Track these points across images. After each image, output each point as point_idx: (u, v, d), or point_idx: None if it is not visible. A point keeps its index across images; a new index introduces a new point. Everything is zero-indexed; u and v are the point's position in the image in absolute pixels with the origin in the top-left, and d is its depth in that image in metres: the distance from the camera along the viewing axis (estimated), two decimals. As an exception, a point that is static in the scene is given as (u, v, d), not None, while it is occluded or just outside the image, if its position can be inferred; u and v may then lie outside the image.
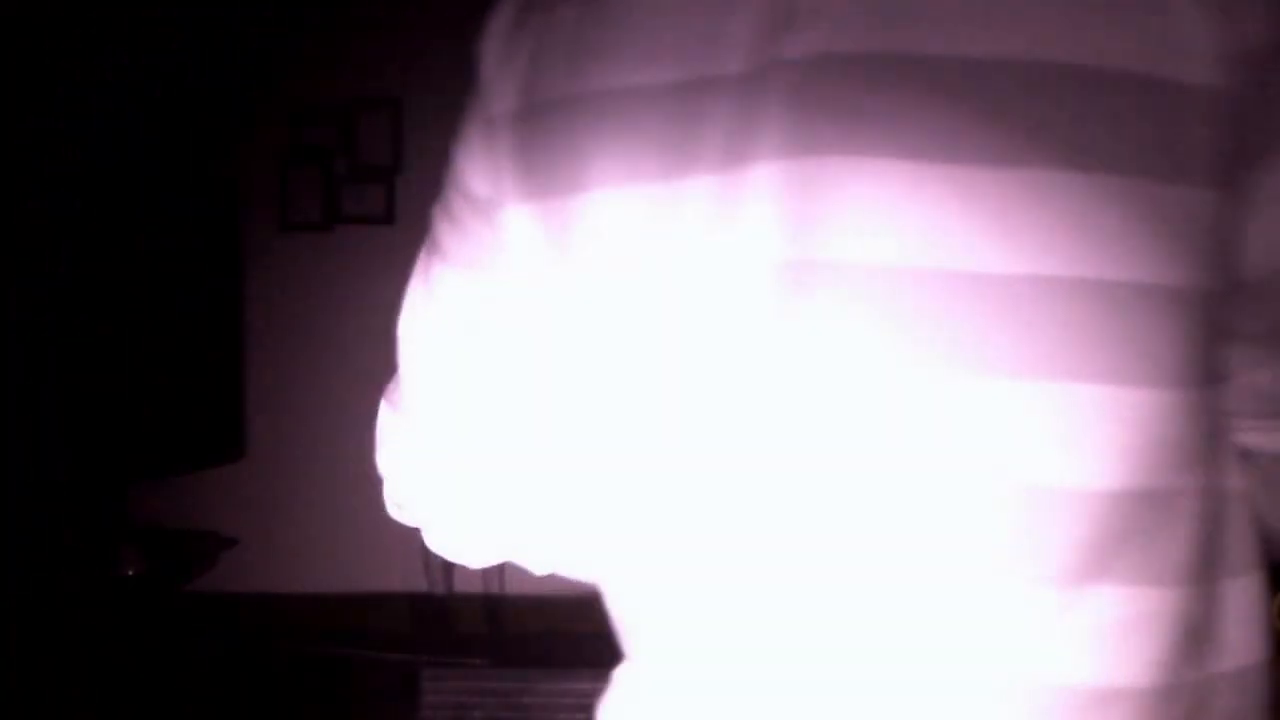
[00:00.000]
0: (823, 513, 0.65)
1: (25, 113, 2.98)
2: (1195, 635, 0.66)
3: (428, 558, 3.29)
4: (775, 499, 0.67)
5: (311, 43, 3.50)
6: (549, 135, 0.74)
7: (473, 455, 0.85)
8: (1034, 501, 0.60)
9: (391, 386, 0.93)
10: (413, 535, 3.69)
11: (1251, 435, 0.69)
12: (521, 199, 0.77)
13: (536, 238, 0.76)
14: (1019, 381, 0.59)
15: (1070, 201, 0.58)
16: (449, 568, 3.35)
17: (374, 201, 3.55)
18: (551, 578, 3.68)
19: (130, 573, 2.96)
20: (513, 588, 3.52)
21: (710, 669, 0.73)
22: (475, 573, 3.52)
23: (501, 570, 3.53)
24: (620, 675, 0.85)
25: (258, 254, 3.52)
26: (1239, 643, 0.68)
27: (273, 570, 3.49)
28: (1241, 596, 0.68)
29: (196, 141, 3.50)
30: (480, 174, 0.82)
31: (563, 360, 0.77)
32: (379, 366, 3.94)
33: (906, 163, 0.60)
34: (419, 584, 3.36)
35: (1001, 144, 0.59)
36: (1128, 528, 0.61)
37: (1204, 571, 0.66)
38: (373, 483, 3.47)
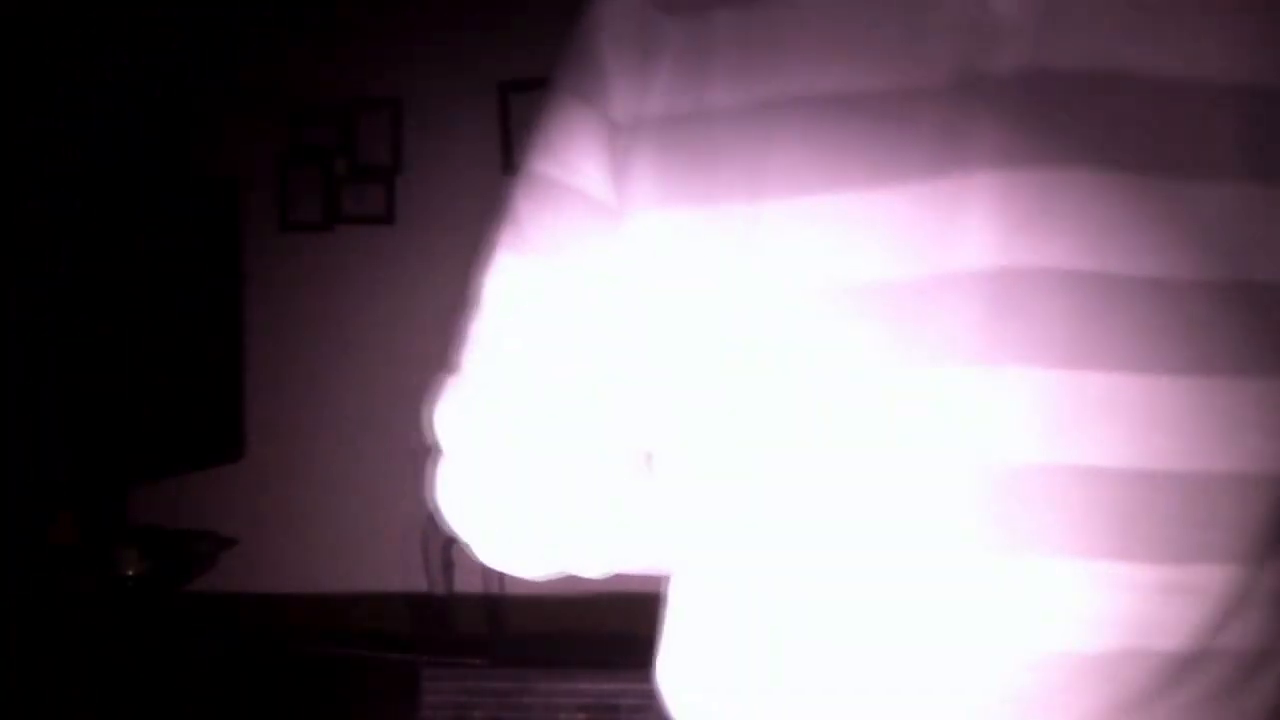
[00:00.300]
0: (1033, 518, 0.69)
1: (25, 113, 2.99)
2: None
3: (428, 558, 3.29)
4: (952, 506, 0.70)
5: (311, 43, 3.50)
6: (706, 142, 0.72)
7: (551, 436, 0.82)
8: (1217, 487, 0.66)
9: (457, 383, 0.88)
10: (413, 535, 3.70)
11: None
12: (665, 205, 0.74)
13: (681, 242, 0.74)
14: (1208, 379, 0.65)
15: (1255, 211, 0.63)
16: (449, 567, 3.35)
17: (374, 201, 3.55)
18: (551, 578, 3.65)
19: (130, 573, 2.96)
20: (513, 588, 3.52)
21: (763, 633, 0.77)
22: (475, 573, 3.52)
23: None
24: (675, 634, 0.89)
25: (258, 254, 3.52)
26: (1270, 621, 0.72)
27: (272, 570, 3.49)
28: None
29: (197, 141, 3.50)
30: (599, 177, 0.78)
31: (683, 352, 0.76)
32: (379, 366, 3.96)
33: (1116, 175, 0.64)
34: (419, 584, 3.36)
35: (1205, 158, 0.63)
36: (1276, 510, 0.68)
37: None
38: (372, 483, 3.46)
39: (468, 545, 0.88)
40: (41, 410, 2.82)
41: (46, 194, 2.92)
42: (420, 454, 3.12)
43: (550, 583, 3.51)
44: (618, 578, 3.62)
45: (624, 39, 0.76)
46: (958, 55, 0.68)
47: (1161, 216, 0.64)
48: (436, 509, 0.88)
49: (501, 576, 3.52)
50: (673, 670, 0.89)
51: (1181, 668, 0.70)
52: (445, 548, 3.31)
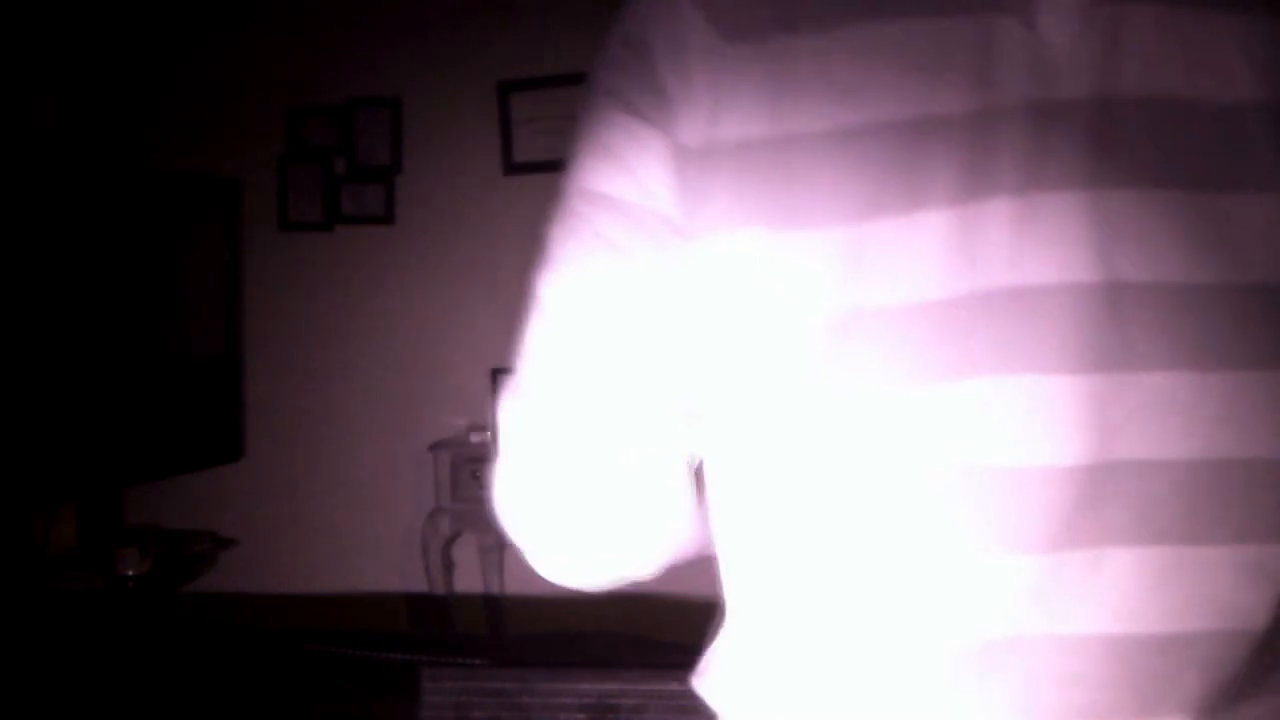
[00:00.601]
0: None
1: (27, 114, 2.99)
2: None
3: (428, 558, 3.29)
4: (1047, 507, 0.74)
5: (311, 43, 3.50)
6: (785, 167, 0.75)
7: (608, 441, 0.81)
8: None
9: (522, 381, 0.86)
10: (413, 535, 3.70)
11: None
12: (743, 226, 0.76)
13: (757, 263, 0.76)
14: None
15: None
16: (449, 567, 3.35)
17: (374, 201, 3.55)
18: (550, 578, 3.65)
19: (130, 573, 2.96)
20: (513, 588, 3.53)
21: (811, 638, 0.81)
22: (475, 573, 3.53)
23: (501, 570, 3.54)
24: (725, 643, 0.92)
25: (258, 254, 3.53)
26: None
27: (273, 570, 3.49)
28: None
29: (197, 141, 3.50)
30: (665, 195, 0.78)
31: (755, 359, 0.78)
32: (378, 365, 3.97)
33: (1174, 192, 0.71)
34: (419, 584, 3.36)
35: (1248, 173, 0.71)
36: None
37: None
38: (372, 483, 3.45)
39: (523, 550, 0.86)
40: (41, 410, 2.82)
41: (47, 195, 2.92)
42: (420, 454, 3.10)
43: (550, 583, 3.50)
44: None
45: (688, 67, 0.78)
46: (1027, 82, 0.73)
47: (1213, 228, 0.71)
48: (494, 512, 0.86)
49: (502, 576, 3.52)
50: (726, 674, 0.91)
51: (1272, 648, 0.75)
52: (445, 548, 3.31)
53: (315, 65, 3.52)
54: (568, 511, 0.83)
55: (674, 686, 1.51)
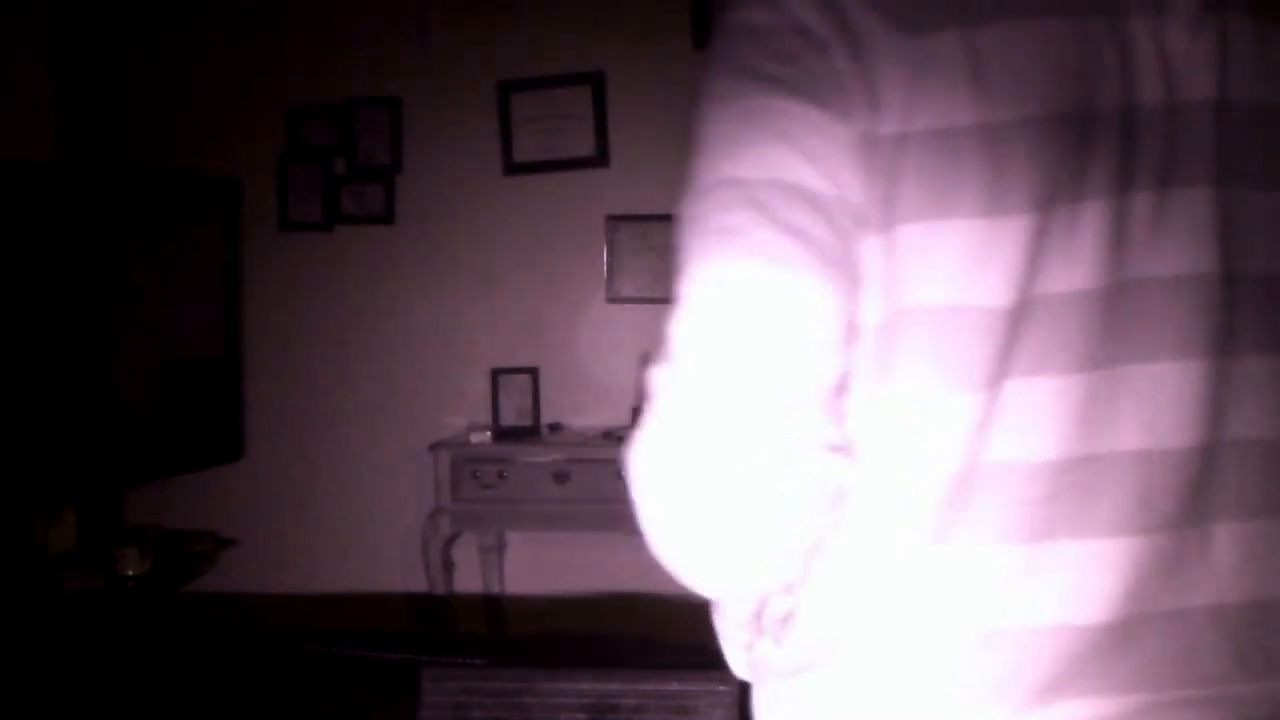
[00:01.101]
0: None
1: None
2: None
3: (428, 558, 3.29)
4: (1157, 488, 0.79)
5: (311, 43, 3.51)
6: (951, 157, 0.77)
7: (764, 442, 0.75)
8: None
9: (681, 358, 0.77)
10: (413, 535, 3.69)
11: None
12: (927, 218, 0.77)
13: (933, 254, 0.77)
14: None
15: None
16: (449, 567, 3.36)
17: (374, 201, 3.55)
18: (549, 578, 3.67)
19: (130, 573, 2.96)
20: (513, 588, 3.53)
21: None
22: (475, 573, 3.53)
23: (501, 570, 3.54)
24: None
25: (258, 254, 3.53)
26: None
27: (273, 570, 3.50)
28: None
29: (197, 141, 3.50)
30: (855, 185, 0.77)
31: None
32: (378, 365, 3.96)
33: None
34: (419, 584, 3.36)
35: None
36: None
37: None
38: (372, 482, 3.46)
39: (648, 532, 0.79)
40: (41, 410, 2.82)
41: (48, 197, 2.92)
42: (420, 454, 3.10)
43: (550, 583, 3.51)
44: (615, 578, 3.61)
45: (868, 55, 0.77)
46: (1159, 82, 0.78)
47: None
48: (633, 509, 0.81)
49: (502, 576, 3.52)
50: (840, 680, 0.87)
51: None
52: (445, 548, 3.31)
53: (315, 65, 3.52)
54: (708, 494, 0.76)
55: (674, 686, 1.51)
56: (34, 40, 3.15)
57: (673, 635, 2.06)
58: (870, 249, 0.77)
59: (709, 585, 0.82)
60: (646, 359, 3.43)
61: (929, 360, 0.78)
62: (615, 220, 3.42)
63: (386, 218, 3.55)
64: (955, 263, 0.76)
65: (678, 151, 3.13)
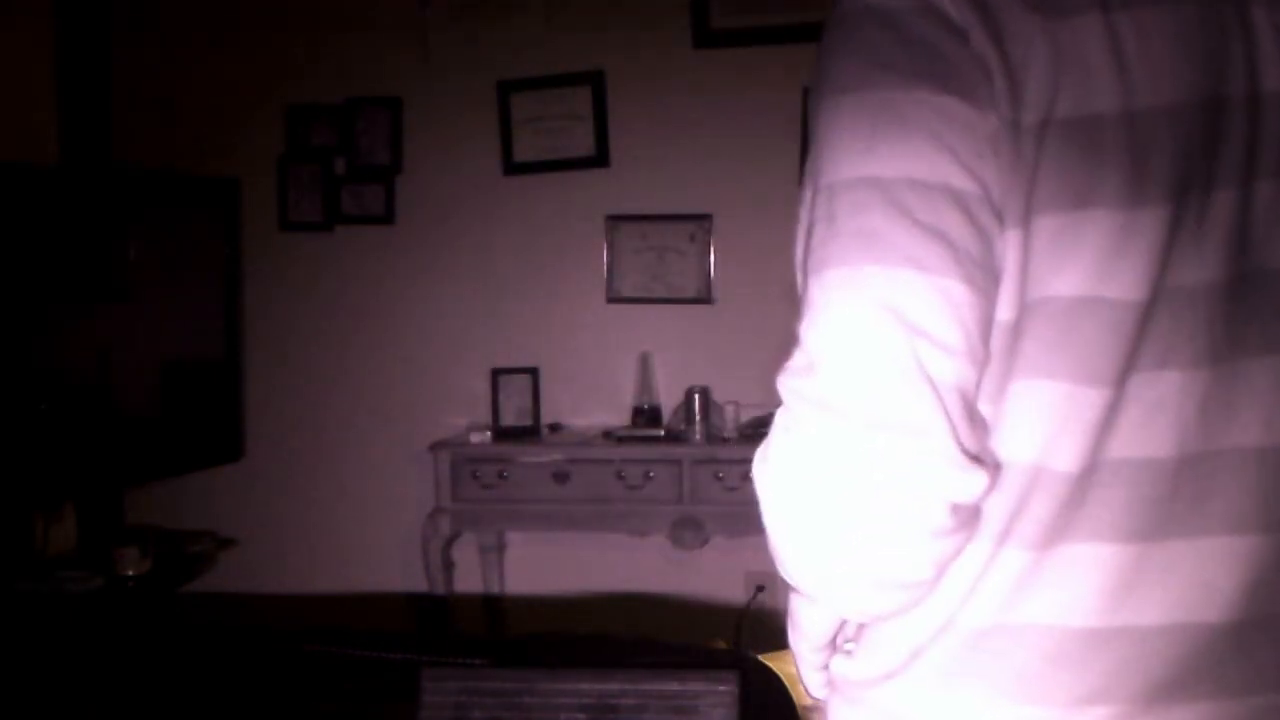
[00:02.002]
0: None
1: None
2: None
3: (428, 558, 3.29)
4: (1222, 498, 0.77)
5: (311, 42, 3.50)
6: (1095, 147, 0.74)
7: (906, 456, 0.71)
8: None
9: (821, 365, 0.72)
10: (413, 535, 3.68)
11: None
12: (1064, 209, 0.74)
13: (1067, 247, 0.75)
14: None
15: None
16: (449, 567, 3.36)
17: (374, 201, 3.55)
18: (549, 578, 3.66)
19: (130, 573, 2.96)
20: (513, 588, 3.53)
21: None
22: (475, 573, 3.53)
23: (501, 570, 3.54)
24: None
25: (258, 254, 3.53)
26: None
27: (272, 570, 3.50)
28: None
29: (197, 141, 3.50)
30: (993, 180, 0.74)
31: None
32: (378, 365, 3.95)
33: None
34: (419, 584, 3.36)
35: None
36: None
37: None
38: (372, 482, 3.44)
39: (783, 562, 0.76)
40: (41, 410, 2.82)
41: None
42: (420, 454, 3.10)
43: (550, 583, 3.50)
44: (615, 578, 3.60)
45: (1010, 41, 0.73)
46: (1277, 68, 0.77)
47: None
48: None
49: (502, 576, 3.52)
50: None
51: None
52: (445, 548, 3.31)
53: (315, 65, 3.52)
54: (844, 513, 0.72)
55: (674, 686, 1.51)
56: (38, 41, 3.15)
57: (673, 635, 2.06)
58: (1007, 242, 0.74)
59: (837, 604, 0.78)
60: (646, 359, 3.43)
61: (1059, 354, 0.75)
62: (615, 220, 3.42)
63: (386, 218, 3.55)
64: (1091, 255, 0.74)
65: (678, 151, 3.14)
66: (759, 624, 3.08)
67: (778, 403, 0.75)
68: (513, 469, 3.21)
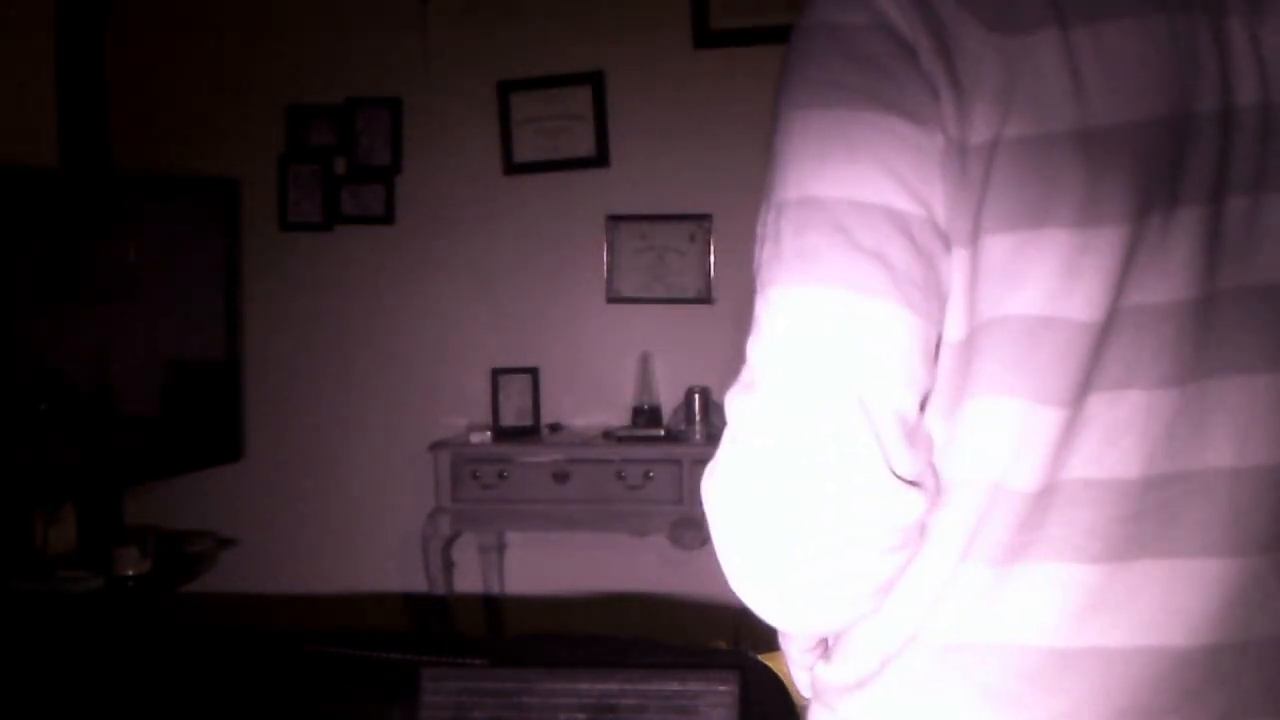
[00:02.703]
0: None
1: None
2: None
3: (428, 558, 3.29)
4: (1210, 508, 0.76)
5: (311, 42, 3.50)
6: (1046, 166, 0.73)
7: (845, 467, 0.71)
8: None
9: (759, 381, 0.73)
10: (413, 535, 3.68)
11: None
12: (1014, 229, 0.73)
13: (1019, 265, 0.74)
14: None
15: None
16: (449, 567, 3.36)
17: (374, 201, 3.55)
18: (549, 578, 3.66)
19: (130, 573, 2.96)
20: (513, 588, 3.53)
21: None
22: (475, 573, 3.53)
23: (501, 570, 3.54)
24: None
25: (258, 254, 3.53)
26: None
27: (272, 570, 3.49)
28: None
29: (197, 141, 3.50)
30: (939, 201, 0.74)
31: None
32: (378, 365, 3.95)
33: None
34: (419, 584, 3.36)
35: None
36: None
37: None
38: (372, 483, 3.44)
39: (722, 557, 0.76)
40: (41, 410, 2.82)
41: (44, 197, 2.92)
42: (420, 454, 3.09)
43: (550, 583, 3.50)
44: (615, 578, 3.59)
45: (959, 59, 0.73)
46: (1254, 83, 0.75)
47: None
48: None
49: (502, 576, 3.53)
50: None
51: None
52: (445, 548, 3.31)
53: (315, 65, 3.52)
54: (782, 529, 0.72)
55: (674, 686, 1.51)
56: (38, 43, 3.14)
57: (673, 635, 2.06)
58: (954, 263, 0.74)
59: (779, 619, 0.79)
60: (646, 359, 3.42)
61: (1012, 374, 0.74)
62: (615, 220, 3.42)
63: (386, 218, 3.55)
64: (1046, 275, 0.73)
65: (678, 151, 3.15)
66: (759, 624, 3.08)
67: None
68: (513, 469, 3.21)
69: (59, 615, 2.71)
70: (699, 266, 3.39)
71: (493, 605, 3.52)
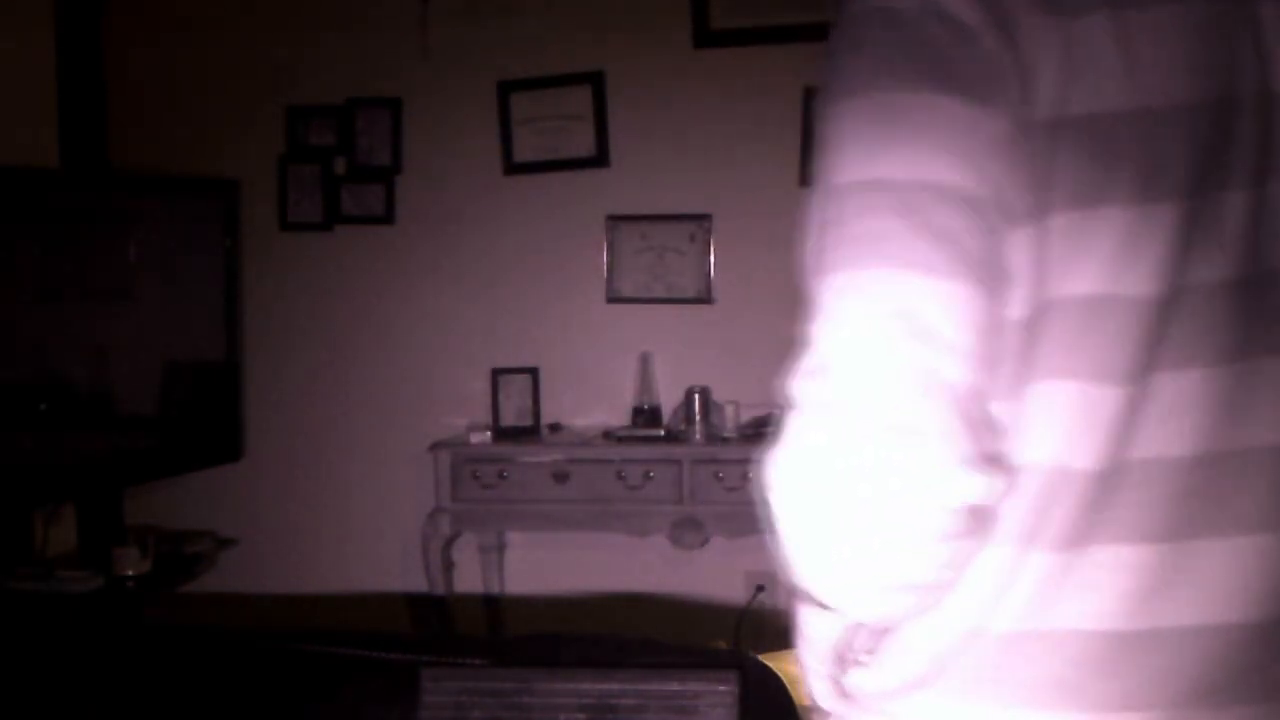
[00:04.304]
0: None
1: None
2: None
3: (428, 558, 3.29)
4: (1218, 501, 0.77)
5: (311, 43, 3.50)
6: (1142, 141, 0.74)
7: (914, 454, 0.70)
8: None
9: (828, 367, 0.72)
10: (413, 535, 3.68)
11: None
12: (1079, 206, 0.74)
13: (1080, 243, 0.75)
14: None
15: None
16: (449, 567, 3.35)
17: (374, 201, 3.55)
18: (549, 578, 3.66)
19: (130, 573, 2.96)
20: (513, 588, 3.53)
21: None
22: (475, 573, 3.53)
23: (501, 570, 3.54)
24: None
25: (258, 254, 3.53)
26: None
27: (273, 570, 3.49)
28: None
29: (197, 141, 3.50)
30: (1005, 180, 0.73)
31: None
32: (378, 365, 3.95)
33: None
34: (419, 584, 3.36)
35: None
36: None
37: None
38: (372, 482, 3.44)
39: (792, 561, 0.75)
40: (40, 410, 2.82)
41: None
42: (420, 454, 3.09)
43: (550, 583, 3.49)
44: (615, 578, 3.58)
45: (1020, 39, 0.73)
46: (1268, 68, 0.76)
47: None
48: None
49: (502, 576, 3.52)
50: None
51: None
52: (445, 548, 3.31)
53: (315, 65, 3.52)
54: (851, 515, 0.71)
55: (674, 686, 1.51)
56: (38, 43, 3.14)
57: (673, 635, 2.06)
58: (1019, 242, 0.74)
59: (844, 605, 0.77)
60: (646, 359, 3.42)
61: (1076, 353, 0.75)
62: (615, 220, 3.42)
63: (386, 218, 3.55)
64: (1106, 252, 0.74)
65: (678, 151, 3.15)
66: (759, 624, 3.08)
67: (778, 403, 0.75)
68: (513, 469, 3.21)
69: (58, 615, 2.71)
70: (699, 266, 3.39)
71: (493, 605, 3.52)
